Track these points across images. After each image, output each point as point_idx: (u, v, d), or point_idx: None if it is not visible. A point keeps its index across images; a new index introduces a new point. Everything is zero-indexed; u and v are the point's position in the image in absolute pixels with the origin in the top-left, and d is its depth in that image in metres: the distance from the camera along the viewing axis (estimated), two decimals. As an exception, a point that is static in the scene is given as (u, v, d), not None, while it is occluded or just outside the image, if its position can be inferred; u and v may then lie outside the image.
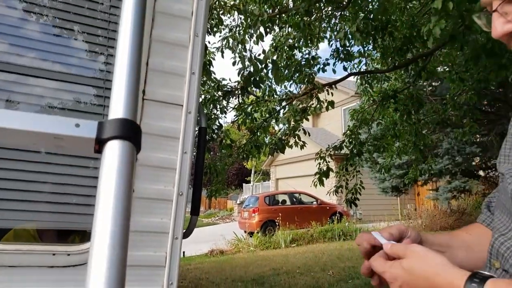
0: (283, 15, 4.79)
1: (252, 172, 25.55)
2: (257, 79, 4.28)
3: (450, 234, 0.83)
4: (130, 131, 0.44)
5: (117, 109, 0.45)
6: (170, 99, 1.39)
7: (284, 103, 5.84)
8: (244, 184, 27.32)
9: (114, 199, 0.39)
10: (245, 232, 13.14)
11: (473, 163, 12.03)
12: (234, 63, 5.07)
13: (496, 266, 0.63)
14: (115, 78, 0.47)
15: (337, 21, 5.83)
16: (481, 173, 12.48)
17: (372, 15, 4.86)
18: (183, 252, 10.21)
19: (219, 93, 4.87)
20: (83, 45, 1.47)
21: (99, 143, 0.44)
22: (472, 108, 7.64)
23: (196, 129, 1.82)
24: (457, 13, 3.37)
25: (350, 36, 4.87)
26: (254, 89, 5.14)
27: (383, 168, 7.95)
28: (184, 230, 1.69)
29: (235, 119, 5.56)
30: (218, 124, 5.08)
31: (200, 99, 4.98)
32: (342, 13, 5.49)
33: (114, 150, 0.42)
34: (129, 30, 0.49)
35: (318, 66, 5.83)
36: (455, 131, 8.20)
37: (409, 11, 5.81)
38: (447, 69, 6.90)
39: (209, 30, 4.95)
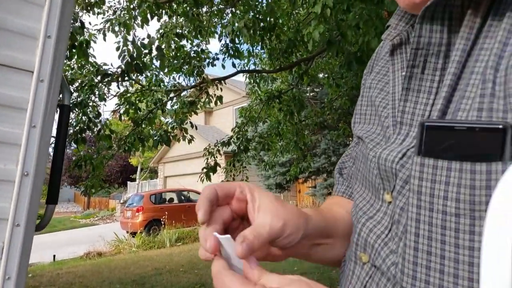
0: (173, 3, 4.62)
1: (138, 169, 24.22)
2: (139, 64, 4.02)
3: (334, 216, 0.62)
4: None
5: None
6: (16, 63, 1.17)
7: (172, 95, 5.64)
8: (129, 182, 25.69)
9: None
10: (128, 232, 12.43)
11: (346, 163, 13.49)
12: (118, 48, 4.70)
13: (364, 260, 0.49)
14: None
15: (228, 18, 5.90)
16: (351, 172, 14.05)
17: (260, 15, 5.03)
18: (54, 256, 9.17)
19: (98, 78, 4.43)
20: None
21: None
22: (346, 113, 8.54)
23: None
24: (334, 20, 3.69)
25: (238, 33, 4.95)
26: (139, 77, 4.83)
27: (267, 165, 8.33)
28: (38, 221, 1.47)
29: (117, 108, 5.14)
30: (96, 112, 4.63)
31: (76, 84, 4.49)
32: (233, 10, 5.57)
33: None
34: None
35: (208, 60, 5.80)
36: (331, 133, 9.08)
37: (295, 17, 6.20)
38: (326, 75, 7.57)
39: (88, 8, 4.49)
